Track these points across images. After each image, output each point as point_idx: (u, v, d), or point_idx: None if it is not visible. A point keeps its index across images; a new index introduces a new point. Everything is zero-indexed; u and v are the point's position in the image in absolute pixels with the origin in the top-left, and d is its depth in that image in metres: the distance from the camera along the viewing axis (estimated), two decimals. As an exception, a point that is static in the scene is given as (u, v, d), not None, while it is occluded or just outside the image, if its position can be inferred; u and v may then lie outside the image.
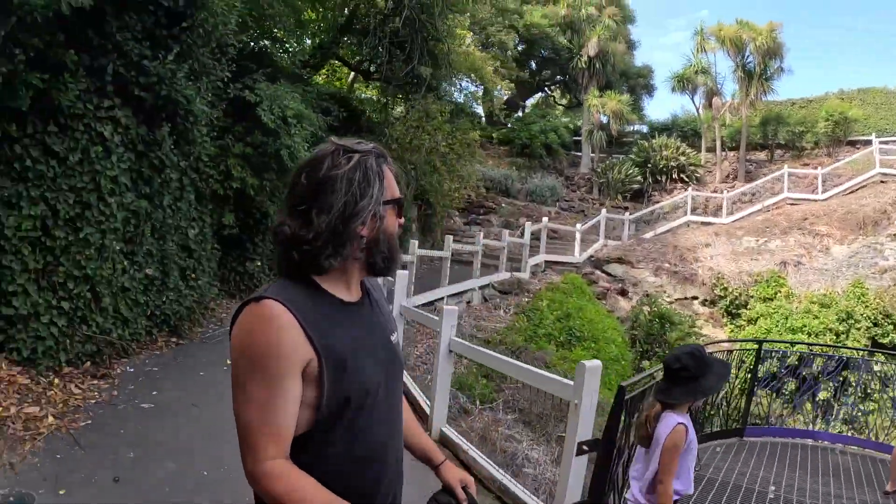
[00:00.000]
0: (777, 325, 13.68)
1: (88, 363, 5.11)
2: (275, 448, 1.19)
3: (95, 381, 5.00)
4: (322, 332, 1.26)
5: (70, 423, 4.24)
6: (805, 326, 13.24)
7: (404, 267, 8.26)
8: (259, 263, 8.69)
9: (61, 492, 3.42)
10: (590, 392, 3.26)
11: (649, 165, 22.20)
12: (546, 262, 15.71)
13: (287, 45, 8.69)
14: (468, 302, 11.73)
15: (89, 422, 4.35)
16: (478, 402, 6.18)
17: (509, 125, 25.76)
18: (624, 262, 15.78)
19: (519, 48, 24.10)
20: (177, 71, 5.55)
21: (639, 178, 22.09)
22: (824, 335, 12.98)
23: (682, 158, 22.25)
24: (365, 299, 1.44)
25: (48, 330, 4.81)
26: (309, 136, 8.00)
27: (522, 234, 14.23)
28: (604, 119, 22.77)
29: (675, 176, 22.07)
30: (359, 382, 1.31)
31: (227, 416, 1.46)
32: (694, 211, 19.25)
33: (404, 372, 1.66)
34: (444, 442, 4.67)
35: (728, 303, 15.05)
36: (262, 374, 1.20)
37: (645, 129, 26.69)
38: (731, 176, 22.55)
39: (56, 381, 4.72)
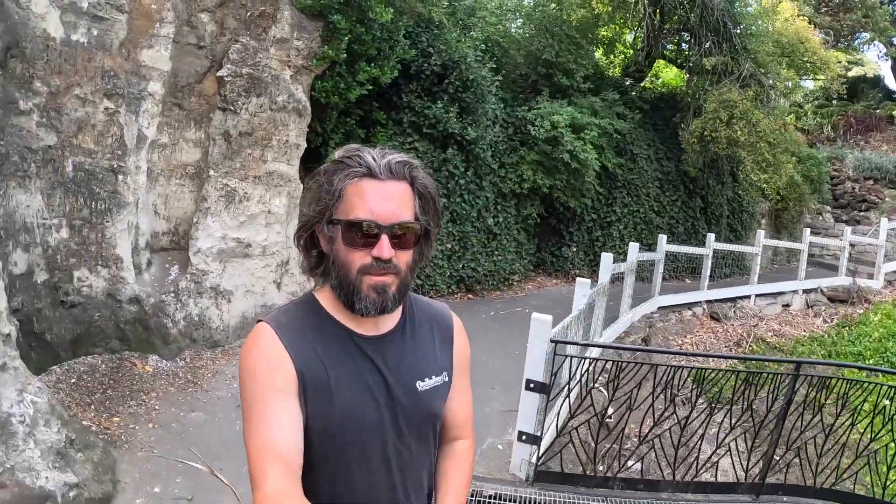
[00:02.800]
0: None
1: (393, 296, 8.99)
2: (276, 477, 1.16)
3: (392, 306, 8.83)
4: (305, 359, 1.28)
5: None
6: None
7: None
8: (574, 249, 11.23)
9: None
10: (537, 340, 4.36)
11: None
12: None
13: (569, 68, 10.90)
14: (785, 305, 11.38)
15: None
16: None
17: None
18: None
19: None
20: (449, 111, 8.92)
21: None
22: None
23: None
24: (396, 335, 1.41)
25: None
26: (595, 139, 10.16)
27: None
28: None
29: None
30: (335, 424, 1.29)
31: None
32: None
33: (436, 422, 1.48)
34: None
35: None
36: (250, 397, 1.24)
37: None
38: None
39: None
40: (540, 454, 4.51)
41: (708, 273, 10.90)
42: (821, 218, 17.25)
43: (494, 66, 9.84)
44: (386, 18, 7.35)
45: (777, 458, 4.76)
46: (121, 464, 4.18)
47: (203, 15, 6.38)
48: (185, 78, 6.23)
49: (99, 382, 5.08)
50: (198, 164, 6.44)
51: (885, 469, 4.82)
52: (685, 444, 4.56)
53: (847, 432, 4.74)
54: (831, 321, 11.46)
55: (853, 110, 22.75)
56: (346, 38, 7.16)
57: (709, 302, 11.09)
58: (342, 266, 1.31)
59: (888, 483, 4.86)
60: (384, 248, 1.28)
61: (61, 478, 3.47)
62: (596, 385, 6.09)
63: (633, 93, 13.36)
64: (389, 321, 1.41)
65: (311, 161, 8.27)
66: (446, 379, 1.48)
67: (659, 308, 10.31)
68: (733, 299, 11.37)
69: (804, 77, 15.48)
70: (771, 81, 11.96)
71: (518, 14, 11.99)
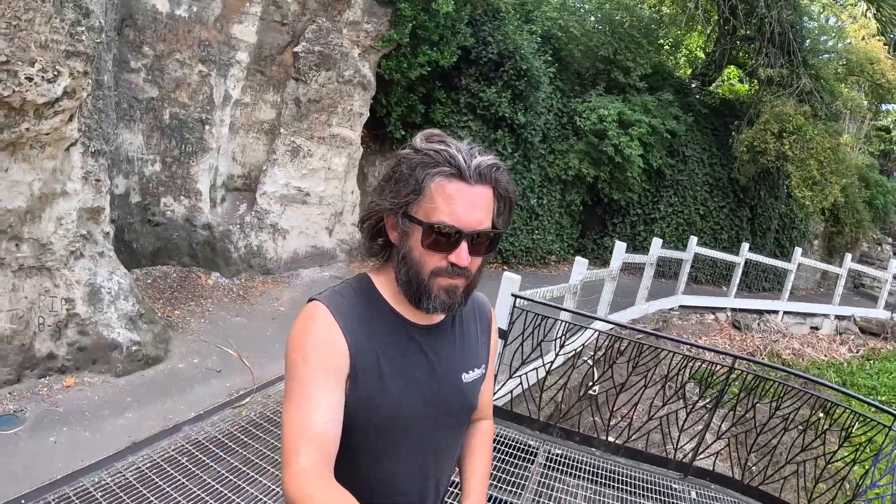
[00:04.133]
0: None
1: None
2: (308, 457, 1.16)
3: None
4: (360, 345, 1.29)
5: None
6: None
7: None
8: (617, 240, 12.07)
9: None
10: (504, 294, 5.57)
11: None
12: None
13: (627, 66, 11.61)
14: (814, 328, 11.81)
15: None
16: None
17: None
18: None
19: None
20: (501, 96, 10.03)
21: None
22: None
23: None
24: (446, 326, 1.44)
25: (415, 234, 10.19)
26: (644, 136, 10.97)
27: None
28: None
29: None
30: (387, 410, 1.32)
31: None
32: None
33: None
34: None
35: None
36: (297, 375, 1.24)
37: None
38: None
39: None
40: (495, 389, 5.68)
41: (737, 281, 11.42)
42: (879, 249, 17.10)
43: (550, 58, 10.80)
44: (446, 10, 8.47)
45: (708, 445, 5.57)
46: (174, 340, 5.68)
47: (289, -4, 7.75)
48: (269, 49, 7.63)
49: (169, 286, 6.66)
50: (273, 122, 7.87)
51: (813, 481, 5.08)
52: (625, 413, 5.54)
53: (779, 436, 5.21)
54: (856, 351, 11.70)
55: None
56: (411, 24, 8.38)
57: (734, 310, 11.64)
58: (415, 265, 1.31)
59: (814, 496, 5.03)
60: (463, 255, 1.28)
61: (129, 335, 5.00)
62: (585, 359, 7.16)
63: (697, 95, 13.84)
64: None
65: (375, 128, 9.63)
66: (484, 370, 1.55)
67: (681, 307, 11.01)
68: (760, 312, 11.82)
69: (886, 101, 15.32)
70: (835, 100, 12.17)
71: (580, 11, 12.74)
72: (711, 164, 13.34)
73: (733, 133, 12.68)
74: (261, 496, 3.78)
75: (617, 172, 11.13)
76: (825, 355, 11.25)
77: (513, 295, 5.42)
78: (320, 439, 1.19)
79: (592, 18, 12.46)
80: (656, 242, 9.68)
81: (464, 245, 1.28)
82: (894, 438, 4.75)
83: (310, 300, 1.36)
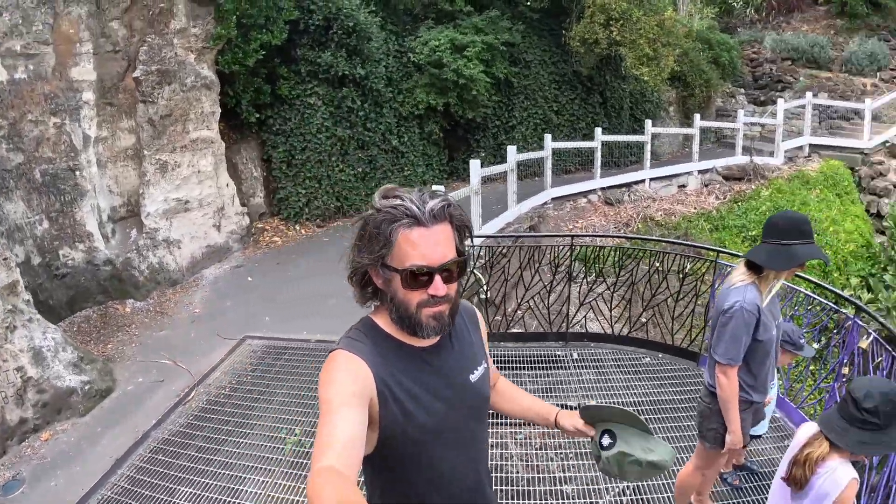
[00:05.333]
0: None
1: (318, 220, 11.26)
2: (330, 456, 1.33)
3: (318, 229, 11.13)
4: (381, 372, 1.57)
5: (287, 244, 10.45)
6: None
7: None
8: (483, 155, 13.40)
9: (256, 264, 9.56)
10: None
11: None
12: (813, 145, 15.22)
13: None
14: (681, 186, 13.43)
15: (296, 244, 10.47)
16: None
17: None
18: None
19: None
20: (337, 56, 10.84)
21: None
22: None
23: None
24: (444, 342, 1.73)
25: (297, 204, 11.09)
26: (480, 54, 12.08)
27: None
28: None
29: None
30: (415, 424, 1.60)
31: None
32: None
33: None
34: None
35: None
36: (326, 401, 1.46)
37: None
38: None
39: (298, 227, 11.03)
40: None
41: (599, 163, 12.86)
42: (733, 101, 18.90)
43: (375, 7, 11.64)
44: (266, -7, 9.15)
45: (574, 314, 7.13)
46: (116, 370, 6.63)
47: (113, 23, 8.20)
48: (110, 80, 8.17)
49: (93, 326, 7.50)
50: (135, 146, 8.51)
51: (670, 319, 6.52)
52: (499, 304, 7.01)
53: (629, 290, 6.89)
54: (724, 198, 12.95)
55: (777, -7, 23.82)
56: (235, 15, 9.03)
57: (603, 189, 13.08)
58: (402, 303, 1.58)
59: (675, 330, 6.52)
60: (439, 287, 1.55)
61: (79, 379, 5.95)
62: (470, 269, 8.48)
63: (527, 3, 15.01)
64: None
65: (230, 119, 10.31)
66: (486, 365, 1.86)
67: (553, 199, 12.50)
68: (628, 185, 13.30)
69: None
70: None
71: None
72: (554, 63, 14.65)
73: (563, 31, 13.92)
74: (223, 471, 4.98)
75: (464, 94, 12.30)
76: (695, 208, 12.62)
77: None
78: (341, 447, 1.36)
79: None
80: (511, 150, 10.94)
81: (437, 278, 1.55)
82: (721, 268, 6.21)
83: (330, 352, 1.62)
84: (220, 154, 9.62)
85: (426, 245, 1.53)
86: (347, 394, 1.47)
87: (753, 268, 3.14)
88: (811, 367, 6.23)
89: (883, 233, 12.79)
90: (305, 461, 4.97)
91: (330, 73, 10.82)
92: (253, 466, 4.95)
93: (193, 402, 6.03)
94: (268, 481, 4.75)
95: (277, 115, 10.86)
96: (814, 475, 2.58)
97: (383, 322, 1.68)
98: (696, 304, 6.63)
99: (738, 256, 5.54)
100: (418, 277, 1.55)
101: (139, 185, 8.55)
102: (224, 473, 4.89)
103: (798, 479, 2.62)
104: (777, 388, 4.13)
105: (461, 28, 12.47)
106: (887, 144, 14.75)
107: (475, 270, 7.60)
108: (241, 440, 5.32)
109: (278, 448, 5.17)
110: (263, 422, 5.59)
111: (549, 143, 12.24)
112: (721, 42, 18.67)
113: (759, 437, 4.43)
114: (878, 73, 18.91)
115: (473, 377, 1.77)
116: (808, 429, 2.76)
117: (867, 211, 13.65)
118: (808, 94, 15.83)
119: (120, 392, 6.34)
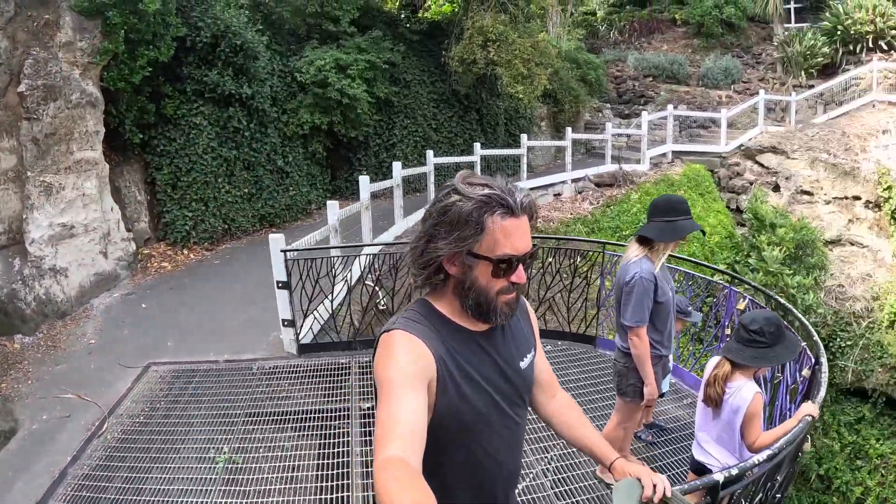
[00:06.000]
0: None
1: (206, 243, 10.95)
2: (395, 445, 1.36)
3: (207, 252, 10.83)
4: (439, 352, 1.61)
5: (177, 269, 10.09)
6: None
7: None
8: (365, 172, 13.62)
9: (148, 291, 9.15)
10: (276, 252, 7.22)
11: (839, 33, 19.62)
12: (676, 152, 16.80)
13: (335, 15, 12.91)
14: (557, 194, 14.51)
15: (186, 268, 10.13)
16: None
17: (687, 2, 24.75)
18: (779, 152, 15.53)
19: None
20: (224, 74, 10.68)
21: (825, 49, 19.84)
22: None
23: (880, 21, 18.84)
24: (496, 327, 1.77)
25: (184, 227, 10.72)
26: (363, 73, 12.39)
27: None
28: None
29: (870, 45, 19.10)
30: (470, 407, 1.66)
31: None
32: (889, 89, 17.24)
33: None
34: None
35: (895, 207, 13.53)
36: (387, 381, 1.50)
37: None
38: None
39: (186, 251, 10.67)
40: (300, 333, 6.99)
41: None
42: (600, 115, 20.45)
43: (262, 26, 11.62)
44: (154, 8, 8.84)
45: None
46: (15, 410, 6.20)
47: (-7, 35, 7.65)
48: (-12, 96, 7.59)
49: (-19, 366, 6.89)
50: (16, 167, 7.93)
51: (566, 309, 7.37)
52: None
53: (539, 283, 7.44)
54: (597, 203, 13.84)
55: (640, 15, 26.38)
56: (123, 30, 8.69)
57: None
58: (483, 290, 1.64)
59: (571, 318, 7.36)
60: (522, 276, 1.65)
61: (-14, 425, 5.54)
62: (366, 281, 8.63)
63: (408, 25, 15.67)
64: None
65: (113, 140, 9.81)
66: (534, 352, 1.93)
67: (437, 212, 13.00)
68: None
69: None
70: (528, 5, 14.63)
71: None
72: (433, 83, 15.27)
73: (443, 52, 14.60)
74: (157, 498, 4.85)
75: (348, 112, 12.53)
76: (571, 214, 13.44)
77: (282, 251, 6.77)
78: (405, 433, 1.40)
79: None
80: (396, 166, 11.20)
81: (521, 267, 1.64)
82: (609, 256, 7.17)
83: (382, 332, 1.66)
84: (105, 176, 9.16)
85: (517, 235, 1.61)
86: (409, 375, 1.51)
87: (644, 242, 3.78)
88: (700, 335, 7.51)
89: (743, 225, 14.27)
90: (241, 476, 5.02)
91: (216, 93, 10.63)
92: (187, 489, 4.91)
93: (108, 434, 5.80)
94: (206, 501, 4.75)
95: (162, 135, 10.48)
96: (724, 394, 3.18)
97: (441, 305, 1.74)
98: (588, 294, 7.43)
99: (622, 246, 6.65)
100: (506, 267, 1.62)
101: (22, 210, 7.98)
102: (159, 501, 4.79)
103: (713, 398, 3.22)
104: (671, 357, 4.72)
105: (345, 48, 12.71)
106: (742, 148, 16.51)
107: (369, 282, 7.76)
108: (170, 465, 5.23)
109: (210, 468, 5.14)
110: (189, 444, 5.51)
111: (432, 158, 12.72)
112: (588, 61, 20.27)
113: (663, 395, 4.93)
114: (732, 86, 21.09)
115: (524, 364, 1.84)
116: (714, 359, 3.41)
117: (728, 207, 15.30)
118: (669, 107, 17.38)
119: (25, 432, 5.94)
